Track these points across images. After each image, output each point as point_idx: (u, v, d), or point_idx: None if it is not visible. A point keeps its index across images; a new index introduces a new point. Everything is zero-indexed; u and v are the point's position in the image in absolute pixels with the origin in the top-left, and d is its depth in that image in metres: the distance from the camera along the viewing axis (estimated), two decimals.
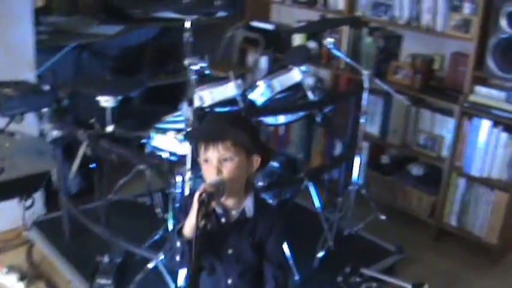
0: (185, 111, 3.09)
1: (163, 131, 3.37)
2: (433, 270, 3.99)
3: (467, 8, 4.07)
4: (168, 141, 3.31)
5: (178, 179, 3.14)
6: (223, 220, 2.14)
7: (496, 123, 3.98)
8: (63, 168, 3.71)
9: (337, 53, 3.81)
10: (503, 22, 3.79)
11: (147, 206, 3.63)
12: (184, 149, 3.11)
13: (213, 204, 1.96)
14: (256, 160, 2.15)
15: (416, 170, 4.55)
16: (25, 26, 3.78)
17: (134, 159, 3.32)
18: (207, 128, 2.26)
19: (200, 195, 1.90)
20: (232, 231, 2.16)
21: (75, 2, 4.84)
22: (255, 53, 5.16)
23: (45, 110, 3.47)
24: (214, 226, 2.05)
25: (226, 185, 2.02)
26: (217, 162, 2.05)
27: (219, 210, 2.13)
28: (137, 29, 4.91)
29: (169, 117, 3.51)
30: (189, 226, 2.00)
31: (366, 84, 3.66)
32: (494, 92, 3.99)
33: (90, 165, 3.67)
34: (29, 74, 3.75)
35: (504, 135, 3.95)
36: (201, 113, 2.94)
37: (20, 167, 3.14)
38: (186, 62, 3.02)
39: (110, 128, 3.39)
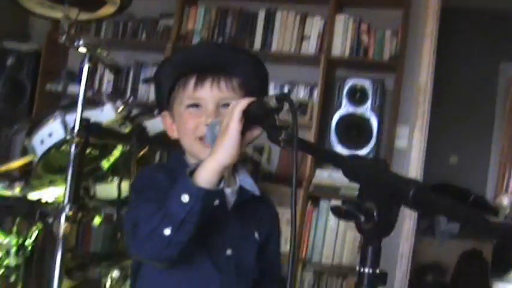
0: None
1: None
2: None
3: (301, 92, 3.99)
4: None
5: None
6: (216, 202, 1.26)
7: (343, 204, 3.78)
8: None
9: None
10: (344, 99, 3.78)
11: None
12: None
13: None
14: None
15: None
16: None
17: None
18: (201, 53, 1.46)
19: (250, 105, 1.19)
20: (231, 219, 1.39)
21: None
22: None
23: None
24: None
25: None
26: (214, 107, 1.34)
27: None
28: None
29: None
30: (216, 163, 1.19)
31: None
32: (336, 174, 3.84)
33: None
34: None
35: None
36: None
37: None
38: None
39: None
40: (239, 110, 1.18)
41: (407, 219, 3.79)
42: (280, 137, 1.12)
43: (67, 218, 2.01)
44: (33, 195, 2.38)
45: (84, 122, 2.10)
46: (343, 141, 3.78)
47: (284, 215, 4.01)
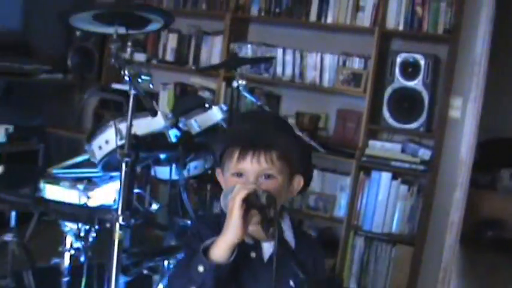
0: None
1: (57, 180, 2.73)
2: None
3: (356, 63, 4.05)
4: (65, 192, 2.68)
5: (69, 241, 2.56)
6: (252, 255, 1.53)
7: (395, 176, 3.91)
8: None
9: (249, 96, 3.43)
10: (397, 72, 3.83)
11: None
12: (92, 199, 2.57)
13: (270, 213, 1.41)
14: (299, 182, 1.60)
15: None
16: None
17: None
18: (245, 129, 1.62)
19: (249, 195, 1.39)
20: (267, 270, 1.50)
21: None
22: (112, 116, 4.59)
23: None
24: (241, 263, 1.48)
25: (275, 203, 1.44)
26: (255, 178, 1.50)
27: (247, 240, 1.52)
28: None
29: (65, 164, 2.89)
30: (225, 242, 1.41)
31: None
32: (389, 145, 3.95)
33: None
34: None
35: (403, 188, 3.89)
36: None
37: None
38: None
39: None
40: (240, 198, 1.38)
41: (458, 190, 3.86)
42: (269, 231, 1.32)
43: (121, 227, 2.28)
44: (95, 193, 2.66)
45: (134, 140, 2.31)
46: (395, 115, 3.86)
47: (337, 181, 4.21)
